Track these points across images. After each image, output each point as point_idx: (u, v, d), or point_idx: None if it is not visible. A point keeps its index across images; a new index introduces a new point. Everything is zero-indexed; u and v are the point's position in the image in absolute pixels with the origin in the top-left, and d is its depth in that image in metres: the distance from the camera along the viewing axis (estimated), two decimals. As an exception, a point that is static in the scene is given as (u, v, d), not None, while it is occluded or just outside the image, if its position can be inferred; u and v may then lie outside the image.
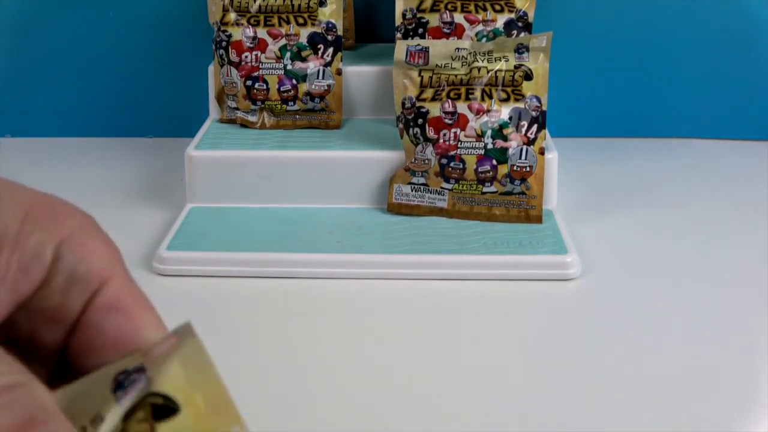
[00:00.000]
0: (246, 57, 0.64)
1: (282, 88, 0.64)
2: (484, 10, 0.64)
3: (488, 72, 0.57)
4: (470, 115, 0.57)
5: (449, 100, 0.57)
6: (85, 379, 0.20)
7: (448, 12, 0.64)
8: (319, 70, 0.64)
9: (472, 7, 0.64)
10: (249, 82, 0.64)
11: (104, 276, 0.23)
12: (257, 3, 0.64)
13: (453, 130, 0.57)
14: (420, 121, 0.58)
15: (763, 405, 0.41)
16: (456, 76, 0.58)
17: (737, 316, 0.49)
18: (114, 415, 0.19)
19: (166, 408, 0.19)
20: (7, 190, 0.22)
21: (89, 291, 0.22)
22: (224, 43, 0.64)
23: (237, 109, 0.66)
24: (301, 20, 0.64)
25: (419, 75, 0.59)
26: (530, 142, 0.56)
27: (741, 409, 0.41)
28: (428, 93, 0.58)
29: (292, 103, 0.64)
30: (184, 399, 0.19)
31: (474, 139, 0.56)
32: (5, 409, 0.19)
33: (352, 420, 0.41)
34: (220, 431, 0.19)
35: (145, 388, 0.19)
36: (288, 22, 0.64)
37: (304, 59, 0.64)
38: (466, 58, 0.58)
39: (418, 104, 0.58)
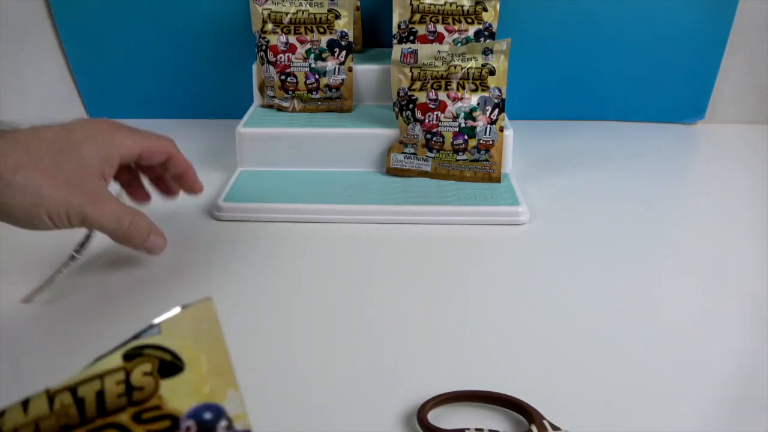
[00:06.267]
0: (280, 57, 0.63)
1: (308, 81, 0.64)
2: (459, 22, 0.63)
3: (462, 69, 0.57)
4: (448, 102, 0.57)
5: (433, 90, 0.57)
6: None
7: (432, 23, 0.63)
8: (335, 68, 0.63)
9: (450, 20, 0.63)
10: (283, 77, 0.64)
11: (169, 152, 0.44)
12: (288, 16, 0.63)
13: (435, 112, 0.57)
14: (411, 105, 0.57)
15: (664, 303, 0.42)
16: (438, 71, 0.58)
17: (640, 244, 0.52)
18: (116, 355, 0.16)
19: (171, 365, 0.15)
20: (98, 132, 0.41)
21: (163, 156, 0.43)
22: (264, 47, 0.64)
23: (274, 97, 0.66)
24: (321, 30, 0.63)
25: (410, 71, 0.58)
26: (493, 122, 0.56)
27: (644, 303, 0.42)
28: (417, 84, 0.58)
29: (315, 92, 0.64)
30: (189, 358, 0.16)
31: (451, 120, 0.56)
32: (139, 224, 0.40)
33: (352, 318, 0.41)
34: (217, 393, 0.16)
35: (154, 336, 0.16)
36: (312, 31, 0.63)
37: (324, 59, 0.63)
38: (446, 58, 0.58)
39: (409, 93, 0.58)
